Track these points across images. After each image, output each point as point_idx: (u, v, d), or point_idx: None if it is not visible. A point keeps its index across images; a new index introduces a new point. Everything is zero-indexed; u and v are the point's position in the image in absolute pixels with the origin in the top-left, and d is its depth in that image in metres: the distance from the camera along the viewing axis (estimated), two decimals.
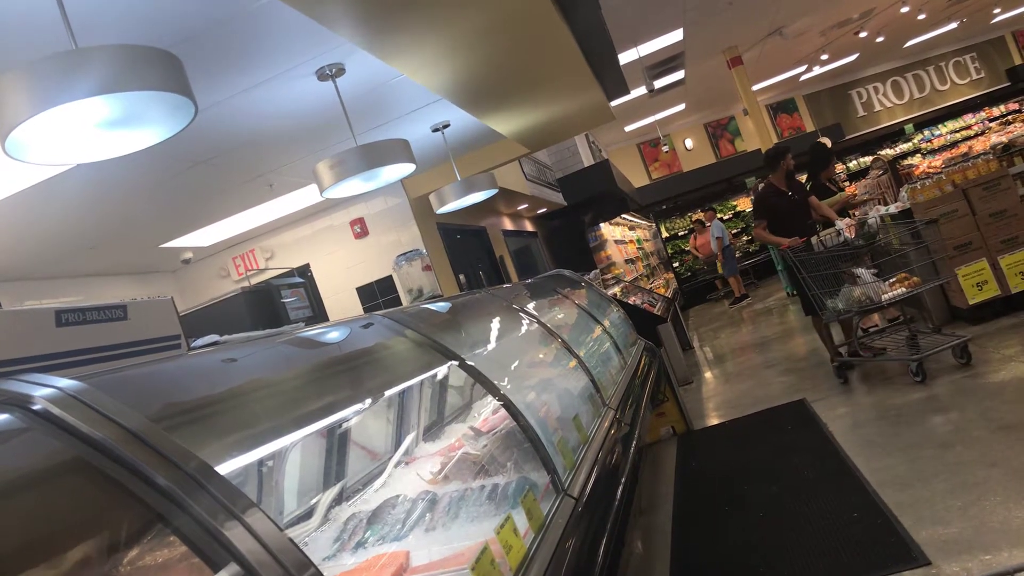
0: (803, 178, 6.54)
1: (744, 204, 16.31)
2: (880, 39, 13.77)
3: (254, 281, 6.73)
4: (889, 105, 17.37)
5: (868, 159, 13.10)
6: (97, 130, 1.90)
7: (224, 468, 1.32)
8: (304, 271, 6.67)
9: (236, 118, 3.73)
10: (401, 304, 6.64)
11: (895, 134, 16.71)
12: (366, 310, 6.69)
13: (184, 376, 1.58)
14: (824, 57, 13.77)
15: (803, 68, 14.57)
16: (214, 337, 1.85)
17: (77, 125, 1.86)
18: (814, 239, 5.14)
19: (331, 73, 3.50)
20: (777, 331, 8.72)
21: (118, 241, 5.37)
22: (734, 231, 15.97)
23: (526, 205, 9.66)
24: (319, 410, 1.99)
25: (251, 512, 1.19)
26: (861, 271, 4.84)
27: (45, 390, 1.19)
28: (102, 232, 5.02)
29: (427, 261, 3.73)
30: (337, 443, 2.59)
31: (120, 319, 1.56)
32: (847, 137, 16.35)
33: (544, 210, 10.76)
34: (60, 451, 1.12)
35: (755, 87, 13.07)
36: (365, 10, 2.75)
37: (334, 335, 2.34)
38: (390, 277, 6.60)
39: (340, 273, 6.68)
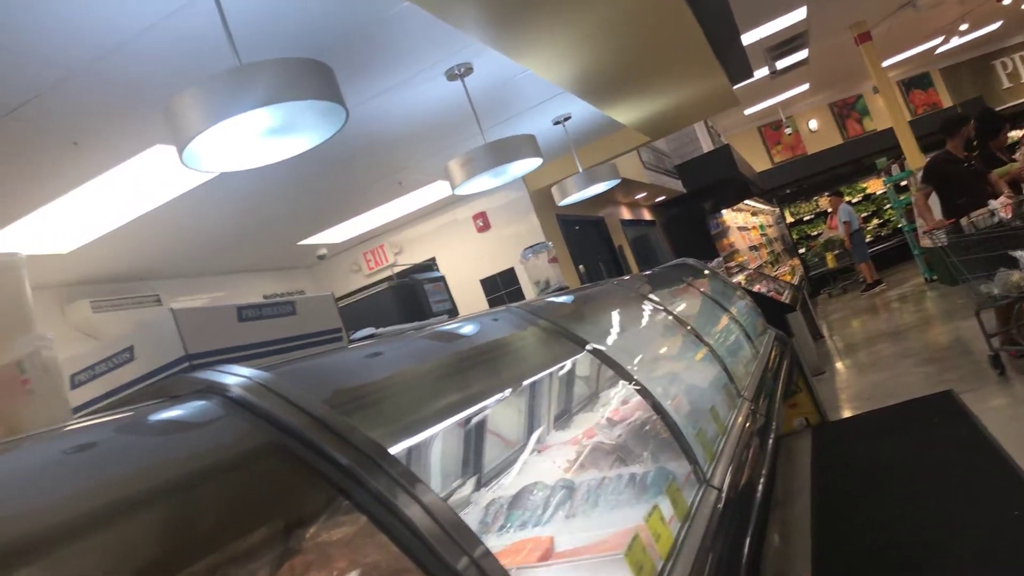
0: (1018, 134, 6.12)
1: (875, 186, 15.48)
2: None
3: (383, 275, 7.00)
4: None
5: (1018, 133, 12.09)
6: (259, 138, 2.04)
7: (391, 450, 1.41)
8: (430, 265, 6.88)
9: (370, 120, 3.90)
10: (523, 295, 6.73)
11: None
12: (489, 302, 6.83)
13: (349, 367, 1.69)
14: (963, 27, 12.85)
15: (939, 40, 13.64)
16: (371, 330, 1.96)
17: (242, 135, 2.00)
18: (964, 221, 4.81)
19: (460, 73, 3.60)
20: (914, 319, 8.25)
21: (259, 239, 5.73)
22: (864, 215, 15.19)
23: (644, 194, 9.55)
24: (464, 399, 2.07)
25: (422, 489, 1.27)
26: (1020, 253, 4.47)
27: (239, 379, 1.31)
28: (246, 232, 5.36)
29: (553, 253, 3.77)
30: (475, 430, 2.67)
31: (290, 314, 1.67)
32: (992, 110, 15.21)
33: (663, 198, 10.61)
34: (254, 434, 1.23)
35: (885, 63, 12.37)
36: (495, 10, 2.81)
37: (475, 327, 2.42)
38: (512, 269, 6.71)
39: (464, 266, 6.85)
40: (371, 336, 1.92)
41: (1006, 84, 16.07)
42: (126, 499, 1.03)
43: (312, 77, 1.96)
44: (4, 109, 2.57)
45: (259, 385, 1.30)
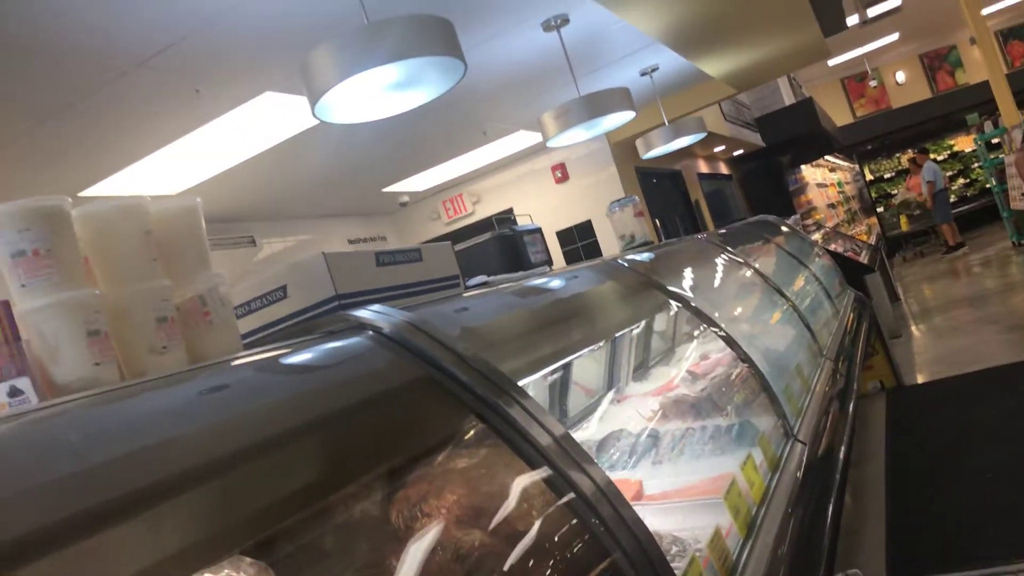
0: None
1: (964, 144, 14.82)
2: None
3: (462, 224, 7.14)
4: None
5: None
6: (384, 92, 2.16)
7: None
8: (507, 215, 6.98)
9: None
10: (599, 248, 6.79)
11: None
12: (565, 254, 6.91)
13: (470, 310, 1.82)
14: None
15: None
16: (483, 278, 2.09)
17: (370, 89, 2.12)
18: None
19: (556, 24, 3.64)
20: (999, 284, 8.02)
21: (347, 185, 5.92)
22: (949, 174, 14.60)
23: (723, 147, 9.42)
24: (565, 346, 2.19)
25: (549, 419, 1.40)
26: None
27: (389, 318, 1.45)
28: (335, 178, 5.55)
29: (639, 208, 3.82)
30: (562, 377, 2.80)
31: (417, 260, 1.81)
32: None
33: (740, 152, 10.42)
34: (407, 367, 1.37)
35: (985, 11, 11.72)
36: None
37: (574, 278, 2.53)
38: (589, 222, 6.76)
39: (541, 217, 6.93)
40: (484, 284, 2.05)
41: None
42: (298, 423, 1.18)
43: (435, 33, 2.06)
44: (137, 59, 2.75)
45: (406, 323, 1.44)
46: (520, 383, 1.89)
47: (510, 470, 1.34)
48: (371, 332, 1.41)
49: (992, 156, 10.55)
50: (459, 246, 2.87)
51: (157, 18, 2.54)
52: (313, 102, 2.08)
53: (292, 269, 1.58)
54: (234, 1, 2.58)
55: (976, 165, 13.83)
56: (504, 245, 2.79)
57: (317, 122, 3.97)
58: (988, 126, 10.54)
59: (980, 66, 11.59)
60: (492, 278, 2.11)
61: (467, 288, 2.00)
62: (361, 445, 1.17)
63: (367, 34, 2.00)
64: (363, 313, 1.45)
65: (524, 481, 1.31)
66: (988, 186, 11.56)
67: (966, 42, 14.67)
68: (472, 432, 1.35)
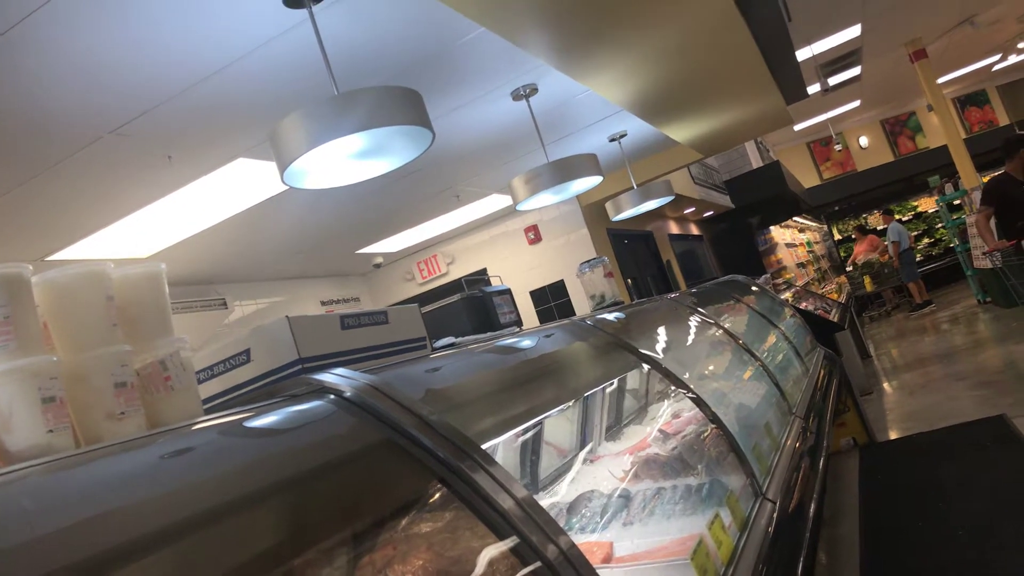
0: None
1: (926, 204, 15.26)
2: None
3: (436, 284, 7.18)
4: None
5: None
6: (352, 159, 2.21)
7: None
8: (481, 275, 7.04)
9: (437, 137, 4.07)
10: (572, 307, 6.85)
11: None
12: (539, 313, 6.96)
13: (436, 372, 1.83)
14: (1022, 44, 12.65)
15: (997, 57, 13.45)
16: (451, 339, 2.11)
17: (338, 156, 2.17)
18: None
19: (525, 93, 3.76)
20: (966, 341, 8.15)
21: (320, 248, 5.95)
22: (915, 233, 14.97)
23: (693, 209, 9.61)
24: (532, 408, 2.20)
25: (513, 483, 1.40)
26: None
27: (351, 381, 1.46)
28: (308, 240, 5.58)
29: (609, 268, 3.88)
30: (533, 438, 2.79)
31: (383, 323, 1.83)
32: None
33: (711, 213, 10.64)
34: (367, 430, 1.38)
35: (940, 80, 12.23)
36: (564, 36, 2.95)
37: (542, 339, 2.55)
38: (562, 282, 6.83)
39: (515, 277, 7.00)
40: (451, 345, 2.07)
41: None
42: (260, 488, 1.18)
43: (403, 104, 2.12)
44: (110, 126, 2.79)
45: (368, 386, 1.45)
46: (488, 444, 1.90)
47: (474, 536, 1.34)
48: (333, 396, 1.42)
49: (954, 217, 10.85)
50: (427, 308, 2.89)
51: (130, 86, 2.59)
52: (282, 169, 2.12)
53: (256, 333, 1.59)
54: (206, 70, 2.65)
55: (940, 225, 14.21)
56: (473, 306, 2.82)
57: (284, 188, 4.03)
58: (949, 188, 10.86)
59: (939, 131, 12.02)
60: (459, 339, 2.13)
61: (434, 350, 2.02)
62: (322, 510, 1.16)
63: (336, 104, 2.05)
64: (326, 377, 1.46)
65: (488, 548, 1.30)
66: (952, 245, 11.86)
67: (924, 109, 15.24)
68: (436, 497, 1.35)
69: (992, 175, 6.02)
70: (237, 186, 3.81)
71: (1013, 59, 13.82)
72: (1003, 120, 15.61)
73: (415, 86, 3.27)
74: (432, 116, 3.76)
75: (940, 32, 10.52)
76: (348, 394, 1.42)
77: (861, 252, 13.10)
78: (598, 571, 2.00)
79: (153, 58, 2.49)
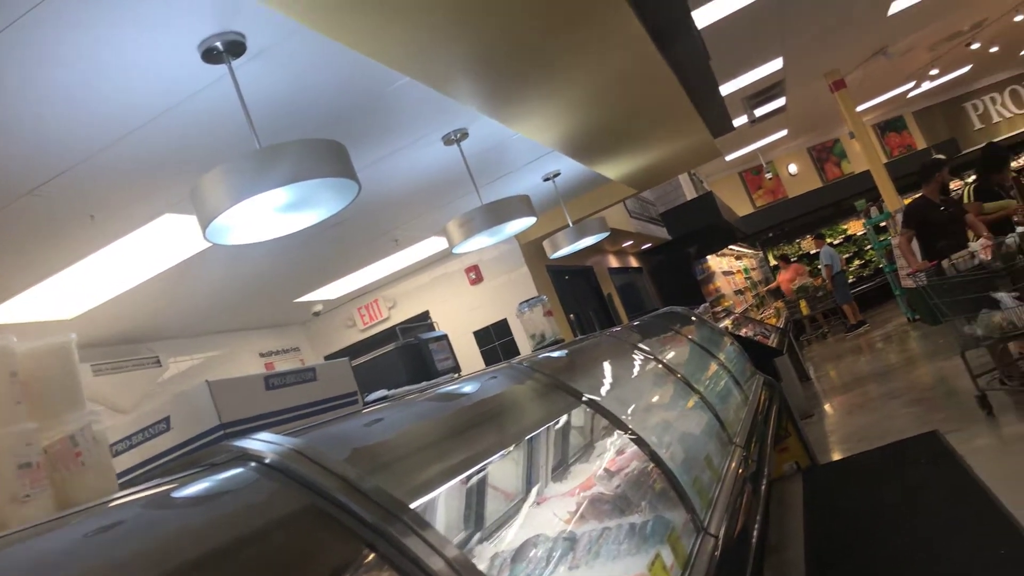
0: (958, 184, 6.34)
1: (855, 227, 15.81)
2: (994, 49, 13.20)
3: (378, 330, 7.11)
4: (1009, 115, 16.53)
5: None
6: (277, 213, 2.18)
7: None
8: (424, 318, 6.99)
9: (371, 183, 4.05)
10: (516, 346, 6.85)
11: (1018, 145, 15.85)
12: (483, 353, 6.93)
13: (366, 429, 1.80)
14: (934, 72, 13.32)
15: (911, 84, 14.12)
16: (383, 392, 2.08)
17: (262, 210, 2.14)
18: (945, 263, 4.95)
19: (456, 138, 3.79)
20: (899, 360, 8.42)
21: (257, 299, 5.84)
22: (846, 256, 15.48)
23: (631, 242, 9.76)
24: (471, 456, 2.17)
25: (446, 544, 1.38)
26: (1001, 295, 4.58)
27: (272, 446, 1.42)
28: (243, 292, 5.48)
29: (548, 307, 3.90)
30: (478, 485, 2.76)
31: (311, 380, 1.79)
32: (964, 152, 15.64)
33: (649, 245, 10.83)
34: (290, 497, 1.34)
35: (860, 108, 12.77)
36: (490, 84, 2.99)
37: (478, 385, 2.54)
38: (505, 320, 6.84)
39: (457, 318, 6.97)
40: (383, 399, 2.04)
41: (978, 125, 16.57)
42: (176, 566, 1.13)
43: (328, 156, 2.11)
44: (28, 186, 2.71)
45: (291, 450, 1.41)
46: (423, 499, 1.87)
47: None
48: (254, 463, 1.38)
49: (881, 238, 11.26)
50: (360, 360, 2.86)
51: (47, 146, 2.53)
52: (204, 226, 2.08)
53: (175, 400, 1.55)
54: (126, 128, 2.60)
55: (868, 247, 14.73)
56: (408, 355, 2.80)
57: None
58: (874, 211, 11.28)
59: (862, 156, 12.52)
60: (392, 392, 2.10)
61: (365, 405, 1.98)
62: None
63: (258, 159, 2.04)
64: (246, 443, 1.42)
65: None
66: (881, 266, 12.29)
67: (847, 136, 15.87)
68: (364, 563, 1.32)
69: (912, 198, 6.27)
70: (164, 242, 3.73)
71: (926, 86, 14.53)
72: (920, 144, 16.34)
73: (344, 135, 3.28)
74: (363, 163, 3.78)
75: (857, 63, 11.00)
76: (270, 460, 1.38)
77: (786, 280, 13.50)
78: None
79: (71, 116, 2.43)
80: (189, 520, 1.24)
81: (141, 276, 4.08)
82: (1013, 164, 14.68)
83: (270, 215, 2.18)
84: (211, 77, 2.47)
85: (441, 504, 2.57)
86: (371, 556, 1.33)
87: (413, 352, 2.81)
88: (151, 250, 3.77)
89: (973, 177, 6.41)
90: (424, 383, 2.18)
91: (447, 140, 3.80)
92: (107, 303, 4.24)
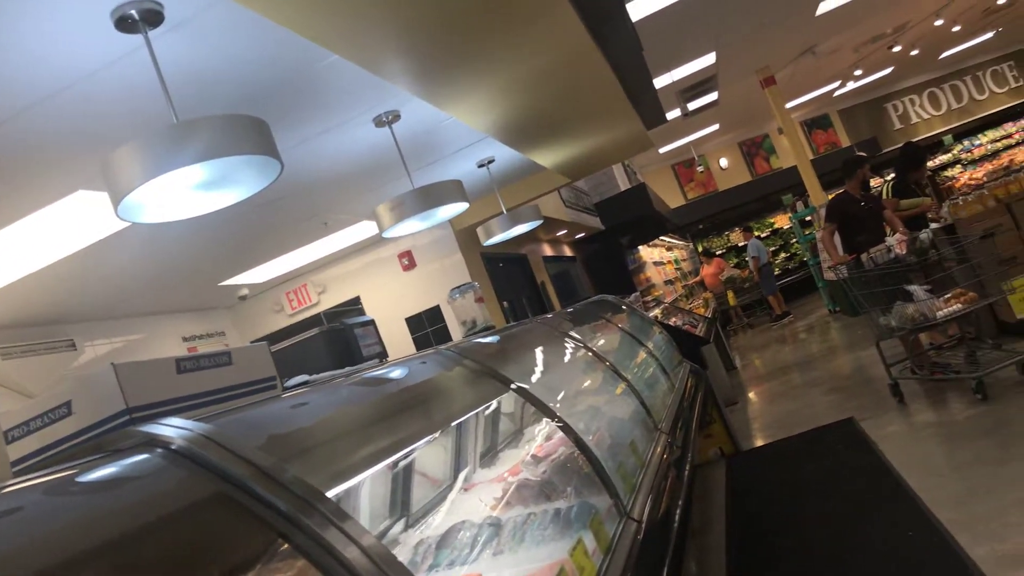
0: (878, 181, 6.56)
1: (782, 221, 16.27)
2: (915, 52, 13.73)
3: (307, 315, 6.97)
4: (927, 117, 17.25)
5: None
6: (194, 191, 2.10)
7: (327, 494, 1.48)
8: (354, 303, 6.89)
9: (299, 164, 3.96)
10: (449, 333, 6.81)
11: (934, 146, 16.56)
12: (415, 340, 6.87)
13: (284, 414, 1.75)
14: (858, 72, 13.77)
15: (837, 84, 14.58)
16: (304, 377, 2.02)
17: (178, 188, 2.06)
18: (864, 256, 5.14)
19: (387, 120, 3.71)
20: (820, 349, 8.71)
21: (179, 281, 5.65)
22: (773, 248, 15.92)
23: (565, 231, 9.82)
24: (395, 442, 2.14)
25: (360, 531, 1.35)
26: (914, 288, 4.77)
27: (181, 431, 1.36)
28: (165, 273, 5.29)
29: (479, 293, 3.89)
30: (404, 471, 2.73)
31: (226, 364, 1.73)
32: (884, 151, 16.25)
33: (583, 235, 10.91)
34: (198, 485, 1.29)
35: (789, 104, 13.11)
36: (422, 65, 2.94)
37: (403, 371, 2.50)
38: (438, 307, 6.79)
39: (390, 305, 6.89)
40: (304, 384, 1.98)
41: (897, 125, 17.23)
42: (72, 557, 1.07)
43: (248, 132, 2.04)
44: None
45: (200, 436, 1.36)
46: (342, 487, 1.83)
47: None
48: (161, 448, 1.32)
49: (806, 232, 11.62)
50: (282, 345, 2.78)
51: None
52: (116, 203, 1.99)
53: (78, 383, 1.47)
54: (32, 98, 2.46)
55: (794, 241, 15.18)
56: (332, 340, 2.74)
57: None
58: (800, 206, 11.62)
59: (790, 152, 12.87)
60: (313, 377, 2.05)
61: (285, 390, 1.93)
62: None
63: (174, 133, 1.95)
64: (153, 428, 1.36)
65: None
66: (805, 259, 12.69)
67: (776, 131, 16.29)
68: (275, 553, 1.27)
69: (835, 193, 6.46)
70: (78, 219, 3.56)
71: (851, 85, 15.02)
72: (845, 142, 16.91)
73: (270, 113, 3.17)
74: (290, 143, 3.68)
75: (786, 60, 11.29)
76: (177, 446, 1.32)
77: (710, 274, 13.83)
78: None
79: None
80: (87, 509, 1.18)
81: (54, 255, 3.88)
82: (929, 164, 15.33)
83: (187, 193, 2.10)
84: (126, 47, 2.36)
85: (364, 491, 2.54)
86: (284, 546, 1.29)
87: (338, 337, 2.75)
88: (64, 228, 3.60)
89: (892, 175, 6.66)
90: (348, 368, 2.13)
91: (378, 122, 3.73)
92: (17, 283, 4.03)
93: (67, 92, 2.51)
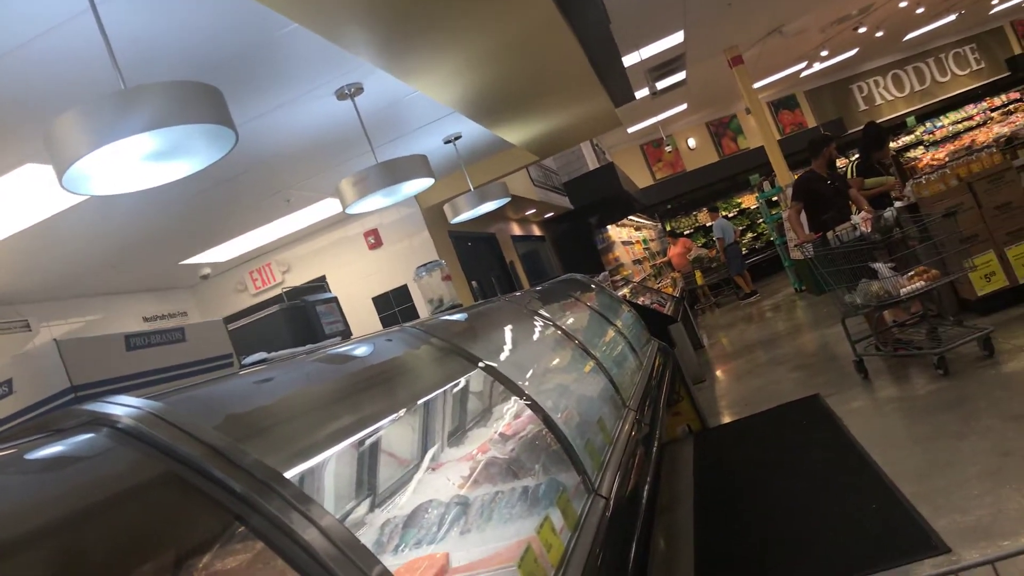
0: (843, 161, 6.61)
1: (749, 201, 16.39)
2: (879, 34, 13.84)
3: (271, 295, 6.85)
4: (890, 98, 17.45)
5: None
6: (144, 162, 2.01)
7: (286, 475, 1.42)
8: (320, 283, 6.78)
9: (258, 138, 3.84)
10: (417, 312, 6.74)
11: (897, 127, 16.76)
12: (382, 319, 6.80)
13: (241, 392, 1.68)
14: (824, 53, 13.85)
15: (803, 64, 14.65)
16: (262, 355, 1.96)
17: (127, 158, 1.96)
18: (830, 234, 5.17)
19: (350, 92, 3.62)
20: (786, 328, 8.79)
21: (139, 259, 5.50)
22: (740, 228, 16.04)
23: (534, 210, 9.76)
24: (357, 421, 2.08)
25: (319, 512, 1.30)
26: (879, 265, 4.83)
27: (127, 409, 1.30)
28: (124, 251, 5.14)
29: (446, 271, 3.83)
30: (369, 451, 2.68)
31: (180, 341, 1.66)
32: (849, 131, 16.41)
33: (551, 214, 10.87)
34: (146, 465, 1.22)
35: (756, 85, 13.15)
36: (385, 34, 2.86)
37: (368, 348, 2.44)
38: (405, 286, 6.71)
39: (356, 284, 6.80)
40: (262, 361, 1.92)
41: (862, 107, 17.42)
42: (11, 539, 1.01)
43: (200, 100, 1.95)
44: None
45: (150, 414, 1.29)
46: (302, 467, 1.77)
47: (266, 574, 1.22)
48: (107, 428, 1.25)
49: (773, 212, 11.70)
50: (241, 322, 2.70)
51: None
52: (61, 173, 1.89)
53: (19, 360, 1.39)
54: None
55: (761, 220, 15.31)
56: (293, 318, 2.66)
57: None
58: (767, 185, 11.69)
59: (757, 133, 12.94)
60: (273, 355, 1.98)
61: (242, 368, 1.86)
62: (72, 567, 1.01)
63: (121, 100, 1.85)
64: (99, 406, 1.29)
65: None
66: (772, 239, 12.79)
67: (743, 112, 16.36)
68: (230, 536, 1.22)
69: (800, 172, 6.50)
70: (28, 194, 3.42)
71: (817, 66, 15.11)
72: (811, 122, 17.05)
73: (227, 83, 3.05)
74: (249, 116, 3.56)
75: (754, 40, 11.30)
76: (124, 425, 1.25)
77: (676, 254, 13.93)
78: None
79: None
80: (25, 491, 1.11)
81: (3, 231, 3.74)
82: (893, 144, 15.52)
83: (137, 164, 2.00)
84: (71, 10, 2.25)
85: (327, 472, 2.48)
86: (240, 529, 1.23)
87: (298, 314, 2.68)
88: (13, 203, 3.46)
89: (856, 156, 6.71)
90: (309, 346, 2.07)
91: (340, 94, 3.63)
92: None
93: (8, 59, 2.39)
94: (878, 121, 16.35)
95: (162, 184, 2.28)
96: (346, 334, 3.01)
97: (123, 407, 1.31)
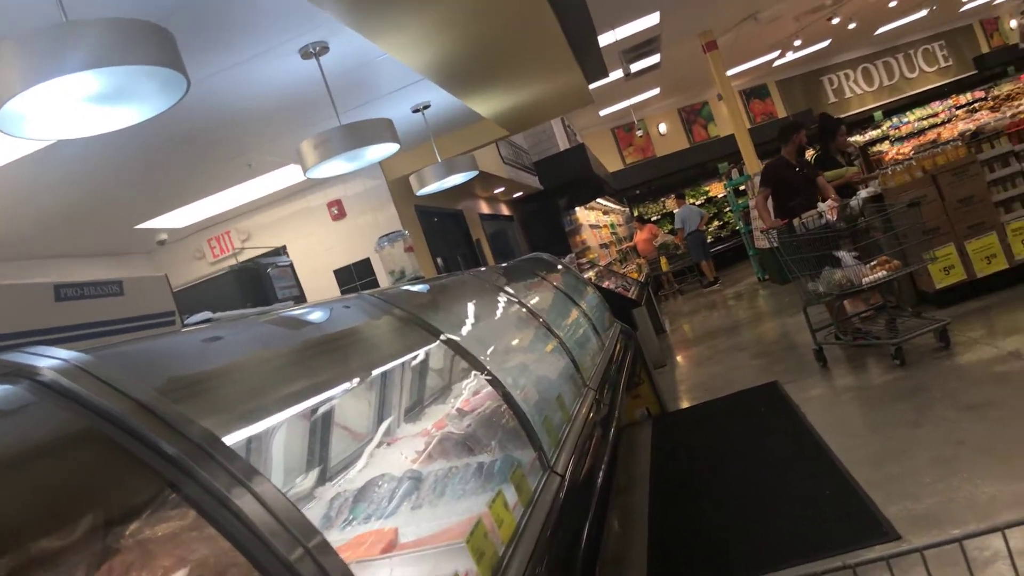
0: (811, 153, 6.64)
1: (717, 189, 16.46)
2: (852, 25, 13.93)
3: (229, 264, 6.68)
4: (859, 92, 17.64)
5: (859, 139, 13.47)
6: (87, 105, 1.88)
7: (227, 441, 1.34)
8: (280, 253, 6.62)
9: (217, 96, 3.69)
10: (379, 286, 6.63)
11: (865, 121, 16.94)
12: (343, 292, 6.67)
13: (181, 351, 1.59)
14: (797, 43, 13.91)
15: (777, 54, 14.70)
16: (207, 314, 1.86)
17: (67, 100, 1.84)
18: (796, 221, 5.18)
19: (315, 51, 3.48)
20: (748, 315, 8.85)
21: (92, 222, 5.30)
22: (709, 214, 16.11)
23: (503, 188, 9.67)
24: (307, 389, 2.00)
25: (257, 480, 1.22)
26: (843, 254, 4.85)
27: (51, 361, 1.20)
28: (76, 212, 4.94)
29: (409, 242, 3.74)
30: (321, 422, 2.60)
31: (116, 295, 1.56)
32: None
33: (520, 194, 10.78)
34: (69, 421, 1.13)
35: (729, 72, 13.15)
36: None
37: (322, 314, 2.35)
38: (368, 260, 6.59)
39: (317, 255, 6.66)
40: (207, 321, 1.82)
41: (832, 99, 17.58)
42: None
43: (148, 41, 1.83)
44: None
45: (75, 367, 1.20)
46: (244, 433, 1.68)
47: (205, 545, 1.13)
48: (27, 380, 1.16)
49: (739, 201, 11.75)
50: (188, 283, 2.59)
51: None
52: None
53: None
54: None
55: (728, 209, 15.39)
56: (243, 280, 2.55)
57: (41, 147, 3.49)
58: (735, 174, 11.73)
59: (728, 120, 12.96)
60: (220, 315, 1.89)
61: (184, 327, 1.76)
62: None
63: (59, 34, 1.73)
64: (19, 356, 1.19)
65: (220, 559, 1.11)
66: (737, 228, 12.87)
67: (715, 99, 16.38)
68: (162, 501, 1.13)
69: (770, 159, 6.50)
70: None
71: (790, 56, 15.18)
72: (781, 112, 17.17)
73: (184, 33, 2.91)
74: (208, 71, 3.42)
75: (729, 25, 11.28)
76: (47, 378, 1.16)
77: (642, 240, 13.97)
78: (378, 562, 1.85)
79: None
80: None
81: None
82: (860, 138, 15.71)
83: (78, 106, 1.88)
84: None
85: (277, 442, 2.39)
86: (171, 495, 1.15)
87: (249, 276, 2.57)
88: None
89: (813, 149, 6.78)
90: (257, 308, 1.98)
91: (304, 53, 3.49)
92: None
93: None
94: (846, 114, 16.58)
95: (113, 133, 2.15)
96: (300, 300, 2.90)
97: (46, 358, 1.22)
